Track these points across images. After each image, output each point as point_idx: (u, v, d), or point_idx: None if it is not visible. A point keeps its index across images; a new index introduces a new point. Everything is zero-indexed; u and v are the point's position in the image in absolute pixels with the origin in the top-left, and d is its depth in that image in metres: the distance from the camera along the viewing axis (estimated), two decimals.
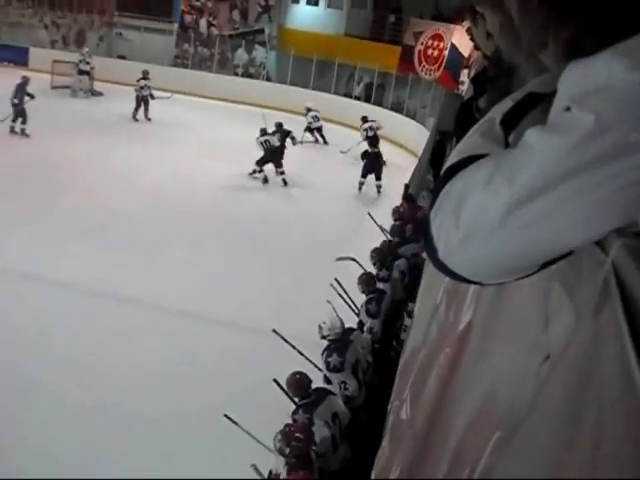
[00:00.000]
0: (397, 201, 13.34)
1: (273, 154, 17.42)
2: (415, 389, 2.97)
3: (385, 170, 18.33)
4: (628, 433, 0.68)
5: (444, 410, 2.06)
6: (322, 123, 22.75)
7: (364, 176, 18.07)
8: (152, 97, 22.94)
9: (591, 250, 0.93)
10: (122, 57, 29.52)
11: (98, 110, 23.44)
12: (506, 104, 1.13)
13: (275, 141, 17.52)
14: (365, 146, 18.54)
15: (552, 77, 1.03)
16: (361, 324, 8.59)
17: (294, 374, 6.82)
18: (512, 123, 1.06)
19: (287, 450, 5.79)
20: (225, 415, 6.57)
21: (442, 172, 1.07)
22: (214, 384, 8.54)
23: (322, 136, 22.66)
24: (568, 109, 0.90)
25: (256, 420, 6.61)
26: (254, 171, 17.50)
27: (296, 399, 6.67)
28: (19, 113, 18.84)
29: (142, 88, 22.79)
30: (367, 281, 8.86)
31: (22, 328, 9.20)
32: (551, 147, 0.88)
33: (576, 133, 0.86)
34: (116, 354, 8.95)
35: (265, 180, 17.29)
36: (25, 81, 19.11)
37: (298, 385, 6.70)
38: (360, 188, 18.01)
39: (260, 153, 17.37)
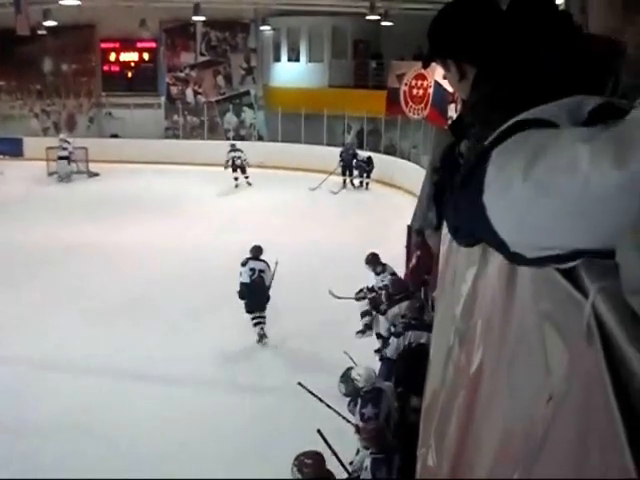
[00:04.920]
0: (400, 242, 13.36)
1: None
2: (439, 434, 2.96)
3: (385, 213, 18.49)
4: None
5: (466, 454, 2.07)
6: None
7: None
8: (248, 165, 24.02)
9: (571, 292, 0.95)
10: (115, 136, 29.81)
11: (95, 191, 23.72)
12: (598, 100, 1.11)
13: None
14: None
15: None
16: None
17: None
18: (601, 117, 1.01)
19: None
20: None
21: (511, 122, 1.05)
22: (246, 448, 8.48)
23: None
24: None
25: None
26: None
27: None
28: None
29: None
30: None
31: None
32: None
33: None
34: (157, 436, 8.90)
35: None
36: None
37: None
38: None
39: None
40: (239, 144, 25.27)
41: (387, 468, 6.44)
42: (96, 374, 10.36)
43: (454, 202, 1.14)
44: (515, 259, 1.08)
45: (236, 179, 23.99)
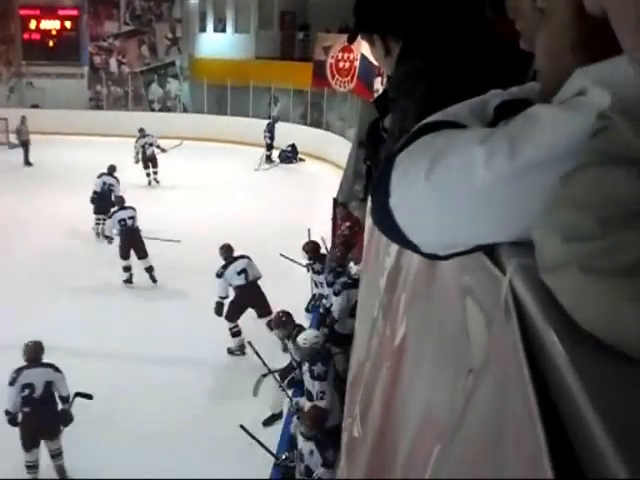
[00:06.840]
0: (328, 215, 13.44)
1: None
2: (364, 405, 3.00)
3: (311, 185, 18.56)
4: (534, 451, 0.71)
5: (390, 426, 2.10)
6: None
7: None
8: (163, 150, 21.09)
9: (490, 268, 0.97)
10: (35, 106, 29.02)
11: (15, 163, 23.16)
12: (508, 95, 1.11)
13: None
14: None
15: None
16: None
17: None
18: (506, 113, 1.00)
19: None
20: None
21: (418, 126, 1.06)
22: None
23: None
24: (581, 94, 0.84)
25: None
26: None
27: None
28: None
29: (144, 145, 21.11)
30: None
31: None
32: (563, 123, 0.82)
33: (591, 111, 0.78)
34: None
35: None
36: None
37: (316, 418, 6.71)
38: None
39: None
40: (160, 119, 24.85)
41: (333, 448, 6.49)
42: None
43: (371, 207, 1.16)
44: (431, 257, 1.12)
45: (148, 175, 21.12)
